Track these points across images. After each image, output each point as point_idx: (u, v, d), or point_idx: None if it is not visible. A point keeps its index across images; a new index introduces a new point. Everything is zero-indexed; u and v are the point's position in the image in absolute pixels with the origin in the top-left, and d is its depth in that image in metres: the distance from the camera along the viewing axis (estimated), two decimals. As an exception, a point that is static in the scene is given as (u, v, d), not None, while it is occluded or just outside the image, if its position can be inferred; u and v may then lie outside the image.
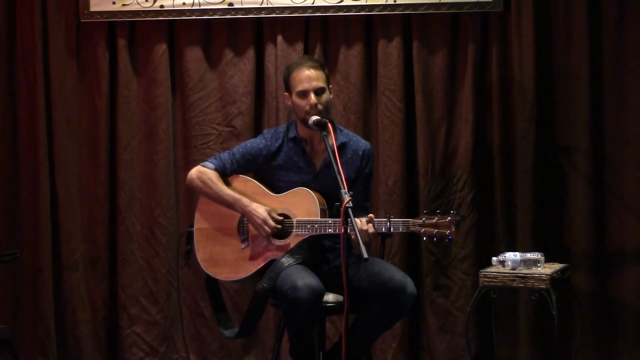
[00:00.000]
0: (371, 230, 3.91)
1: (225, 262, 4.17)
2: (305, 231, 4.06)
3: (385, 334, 4.67)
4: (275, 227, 4.08)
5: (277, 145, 4.22)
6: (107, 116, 5.15)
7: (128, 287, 5.15)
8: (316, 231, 4.04)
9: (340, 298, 4.07)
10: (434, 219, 3.90)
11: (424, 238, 3.91)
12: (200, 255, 4.21)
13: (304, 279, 3.88)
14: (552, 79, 4.90)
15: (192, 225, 4.27)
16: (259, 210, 4.09)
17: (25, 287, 5.17)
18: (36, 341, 5.14)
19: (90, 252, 5.19)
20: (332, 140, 3.98)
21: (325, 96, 4.13)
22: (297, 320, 3.94)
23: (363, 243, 3.66)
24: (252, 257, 4.13)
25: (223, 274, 4.19)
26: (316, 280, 3.91)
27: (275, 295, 4.01)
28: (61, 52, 5.12)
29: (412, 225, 3.92)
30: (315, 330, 4.07)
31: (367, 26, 5.01)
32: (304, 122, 4.11)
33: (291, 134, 4.21)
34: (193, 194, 4.83)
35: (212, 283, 4.26)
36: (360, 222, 3.87)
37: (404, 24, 4.96)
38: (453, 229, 3.87)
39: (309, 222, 4.06)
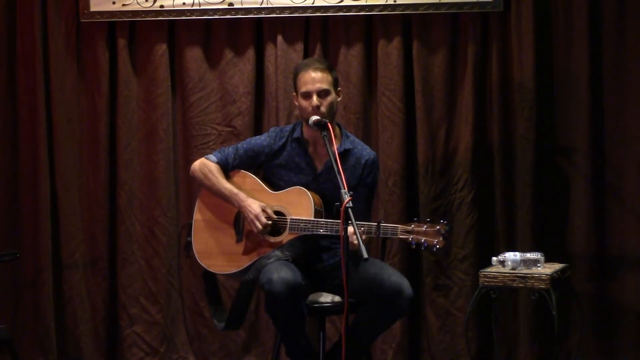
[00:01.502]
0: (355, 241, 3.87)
1: (219, 255, 4.19)
2: (297, 230, 4.07)
3: (385, 334, 4.67)
4: (266, 224, 4.09)
5: (280, 144, 4.23)
6: (107, 116, 5.15)
7: (128, 287, 5.15)
8: (308, 231, 4.05)
9: (339, 298, 4.08)
10: (423, 227, 3.89)
11: (413, 245, 3.91)
12: (197, 246, 4.24)
13: (280, 272, 3.90)
14: (552, 79, 4.90)
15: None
16: (253, 206, 4.11)
17: (25, 287, 5.17)
18: (36, 341, 5.14)
19: (90, 252, 5.19)
20: (334, 141, 3.97)
21: (330, 98, 4.13)
22: (274, 313, 3.97)
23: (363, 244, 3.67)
24: (245, 252, 4.15)
25: (215, 267, 4.21)
26: (293, 275, 3.92)
27: (259, 288, 4.03)
28: (61, 52, 5.12)
29: (401, 232, 3.91)
30: (311, 331, 4.07)
31: (367, 26, 5.00)
32: (307, 122, 4.12)
33: (295, 134, 4.22)
34: (193, 191, 4.86)
35: (209, 275, 4.28)
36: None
37: (404, 24, 4.96)
38: (441, 239, 3.86)
39: (302, 221, 4.07)
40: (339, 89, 4.22)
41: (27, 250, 5.11)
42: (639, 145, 4.82)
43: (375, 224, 3.92)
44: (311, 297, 4.10)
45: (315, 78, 4.12)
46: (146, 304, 5.15)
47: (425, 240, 3.87)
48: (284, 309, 3.92)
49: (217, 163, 4.23)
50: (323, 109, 4.09)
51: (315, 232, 4.04)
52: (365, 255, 3.60)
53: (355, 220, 3.65)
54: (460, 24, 4.94)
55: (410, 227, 3.90)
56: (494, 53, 4.91)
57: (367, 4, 4.91)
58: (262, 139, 4.28)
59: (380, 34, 4.97)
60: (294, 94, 4.22)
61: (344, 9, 4.93)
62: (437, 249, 3.87)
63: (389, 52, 4.96)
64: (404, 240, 3.91)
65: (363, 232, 3.86)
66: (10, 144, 5.18)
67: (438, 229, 3.87)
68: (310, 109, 4.10)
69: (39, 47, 5.08)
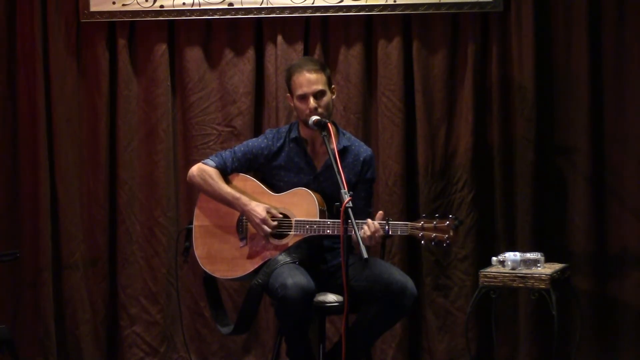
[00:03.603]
0: (380, 233, 3.90)
1: (223, 259, 4.18)
2: (303, 231, 4.06)
3: (385, 334, 4.66)
4: (274, 227, 4.08)
5: (278, 145, 4.22)
6: (107, 116, 5.15)
7: (128, 287, 5.16)
8: (315, 232, 4.04)
9: (340, 298, 4.07)
10: (433, 222, 3.89)
11: (422, 242, 3.91)
12: (199, 252, 4.22)
13: (294, 277, 3.89)
14: (552, 79, 4.90)
15: (191, 222, 4.27)
16: (258, 209, 4.10)
17: (25, 287, 5.17)
18: (36, 341, 5.14)
19: (90, 252, 5.19)
20: (333, 140, 3.98)
21: (326, 99, 4.13)
22: (286, 318, 3.95)
23: (364, 244, 3.68)
24: (250, 256, 4.14)
25: (220, 272, 4.20)
26: (307, 280, 3.91)
27: (267, 292, 4.02)
28: (61, 52, 5.12)
29: (411, 228, 3.91)
30: (311, 331, 4.07)
31: (367, 26, 5.01)
32: (305, 123, 4.12)
33: (293, 135, 4.21)
34: (193, 192, 4.85)
35: (210, 280, 4.27)
36: (373, 225, 3.88)
37: (404, 24, 4.96)
38: (451, 234, 3.87)
39: (307, 222, 4.06)
40: (332, 86, 4.21)
41: (27, 250, 5.11)
42: (639, 145, 4.82)
43: (384, 221, 3.92)
44: (316, 297, 4.09)
45: (310, 80, 4.11)
46: (146, 304, 5.15)
47: (435, 236, 3.88)
48: (297, 314, 3.90)
49: (216, 167, 4.20)
50: (321, 109, 4.09)
51: (322, 233, 4.03)
52: (365, 255, 3.61)
53: (356, 219, 3.67)
54: (460, 24, 4.94)
55: (419, 224, 3.90)
56: (494, 53, 4.91)
57: (367, 4, 4.91)
58: (259, 141, 4.26)
59: (380, 34, 4.97)
60: (288, 95, 4.22)
61: (344, 9, 4.93)
62: (448, 244, 3.88)
63: (389, 52, 4.96)
64: (414, 237, 3.91)
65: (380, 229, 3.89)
66: (10, 144, 5.18)
67: (448, 223, 3.87)
68: (307, 111, 4.10)
69: (39, 47, 5.08)
